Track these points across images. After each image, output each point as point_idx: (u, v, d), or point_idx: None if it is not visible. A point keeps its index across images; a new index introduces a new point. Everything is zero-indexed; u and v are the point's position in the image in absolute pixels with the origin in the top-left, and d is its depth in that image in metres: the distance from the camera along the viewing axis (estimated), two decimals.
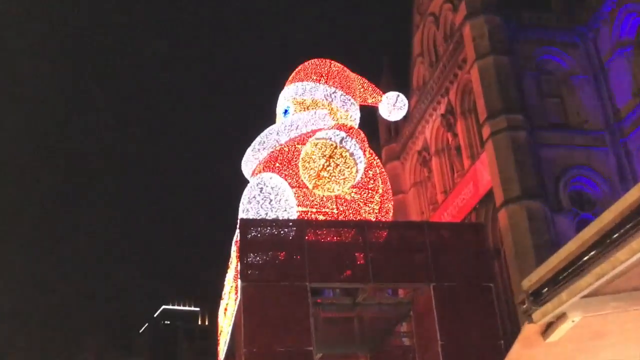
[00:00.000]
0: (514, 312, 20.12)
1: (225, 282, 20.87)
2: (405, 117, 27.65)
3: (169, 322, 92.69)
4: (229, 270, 20.20)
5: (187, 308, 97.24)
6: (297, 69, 22.08)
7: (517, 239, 20.29)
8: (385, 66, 33.88)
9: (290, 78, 22.07)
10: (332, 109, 20.57)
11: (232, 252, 19.85)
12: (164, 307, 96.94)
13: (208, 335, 75.67)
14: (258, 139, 20.32)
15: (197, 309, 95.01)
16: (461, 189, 25.05)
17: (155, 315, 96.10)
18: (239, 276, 16.65)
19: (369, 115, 30.69)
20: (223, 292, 21.62)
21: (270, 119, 22.23)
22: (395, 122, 30.99)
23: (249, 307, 16.15)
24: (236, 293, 17.51)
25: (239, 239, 17.24)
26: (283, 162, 19.27)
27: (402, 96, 22.82)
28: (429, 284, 17.25)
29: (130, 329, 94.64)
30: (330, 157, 17.86)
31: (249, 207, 17.98)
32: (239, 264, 16.83)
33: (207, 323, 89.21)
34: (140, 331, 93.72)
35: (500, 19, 23.73)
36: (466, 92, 25.83)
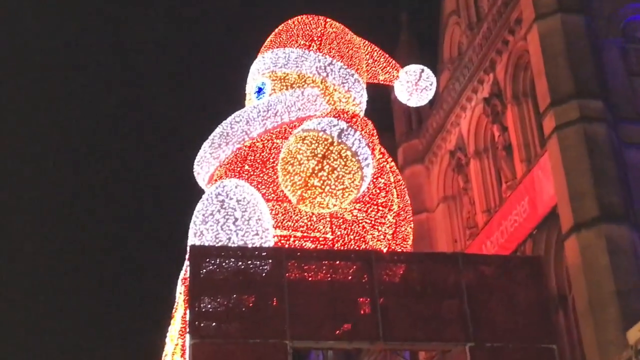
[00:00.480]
0: None
1: (167, 339, 20.75)
2: (432, 102, 27.58)
3: None
4: (172, 322, 20.09)
5: None
6: (277, 30, 22.00)
7: (593, 281, 20.21)
8: (404, 27, 33.86)
9: (267, 42, 21.99)
10: (327, 87, 20.55)
11: (177, 294, 19.71)
12: None
13: None
14: (219, 129, 20.26)
15: None
16: (512, 207, 25.01)
17: None
18: (187, 330, 16.56)
19: (381, 98, 30.70)
20: (164, 354, 21.47)
21: (238, 102, 22.12)
22: (418, 109, 30.93)
23: None
24: (182, 354, 17.41)
25: (188, 274, 17.12)
26: (255, 163, 19.22)
27: (427, 71, 22.76)
28: (464, 344, 17.28)
29: None
30: (324, 157, 17.83)
31: (203, 229, 17.90)
32: (187, 311, 16.74)
33: None
34: None
35: None
36: (521, 66, 25.85)
